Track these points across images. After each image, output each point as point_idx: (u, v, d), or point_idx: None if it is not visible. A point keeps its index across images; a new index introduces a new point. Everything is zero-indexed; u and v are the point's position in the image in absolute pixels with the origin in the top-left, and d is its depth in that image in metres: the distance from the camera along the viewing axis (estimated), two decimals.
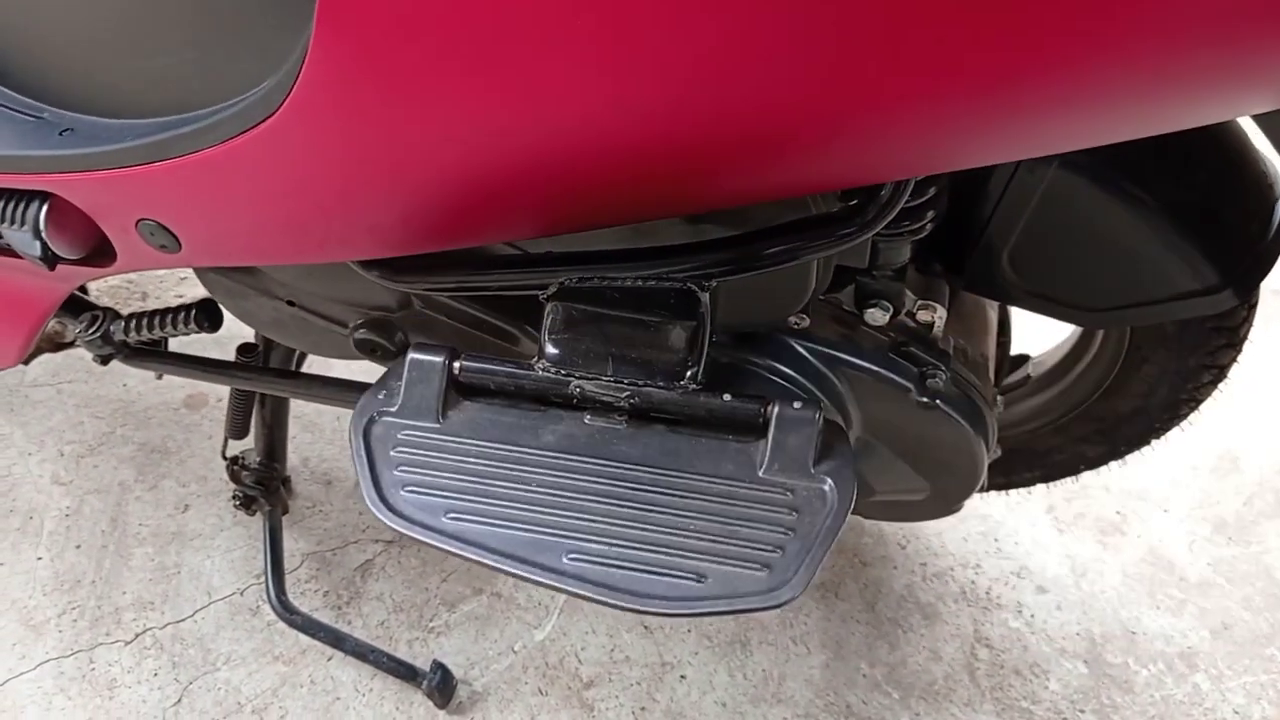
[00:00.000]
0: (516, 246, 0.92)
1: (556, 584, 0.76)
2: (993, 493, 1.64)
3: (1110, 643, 1.49)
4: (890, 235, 0.92)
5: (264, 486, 1.42)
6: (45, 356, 1.69)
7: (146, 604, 1.42)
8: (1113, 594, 1.55)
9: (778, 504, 0.79)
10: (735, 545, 0.78)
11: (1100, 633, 1.50)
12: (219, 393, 1.66)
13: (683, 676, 1.41)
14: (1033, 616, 1.52)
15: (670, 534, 0.78)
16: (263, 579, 1.44)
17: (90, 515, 1.51)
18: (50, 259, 0.90)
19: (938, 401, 1.01)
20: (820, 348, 1.01)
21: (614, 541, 0.78)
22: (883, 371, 1.00)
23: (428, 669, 1.35)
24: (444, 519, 0.80)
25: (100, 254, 0.94)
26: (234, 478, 1.42)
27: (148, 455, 1.58)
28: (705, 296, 0.82)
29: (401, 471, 0.83)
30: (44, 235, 0.89)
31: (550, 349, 0.85)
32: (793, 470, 0.81)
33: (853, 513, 1.27)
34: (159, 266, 0.92)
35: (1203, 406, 1.25)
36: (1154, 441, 1.28)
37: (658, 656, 1.43)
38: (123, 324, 1.05)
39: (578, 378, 0.84)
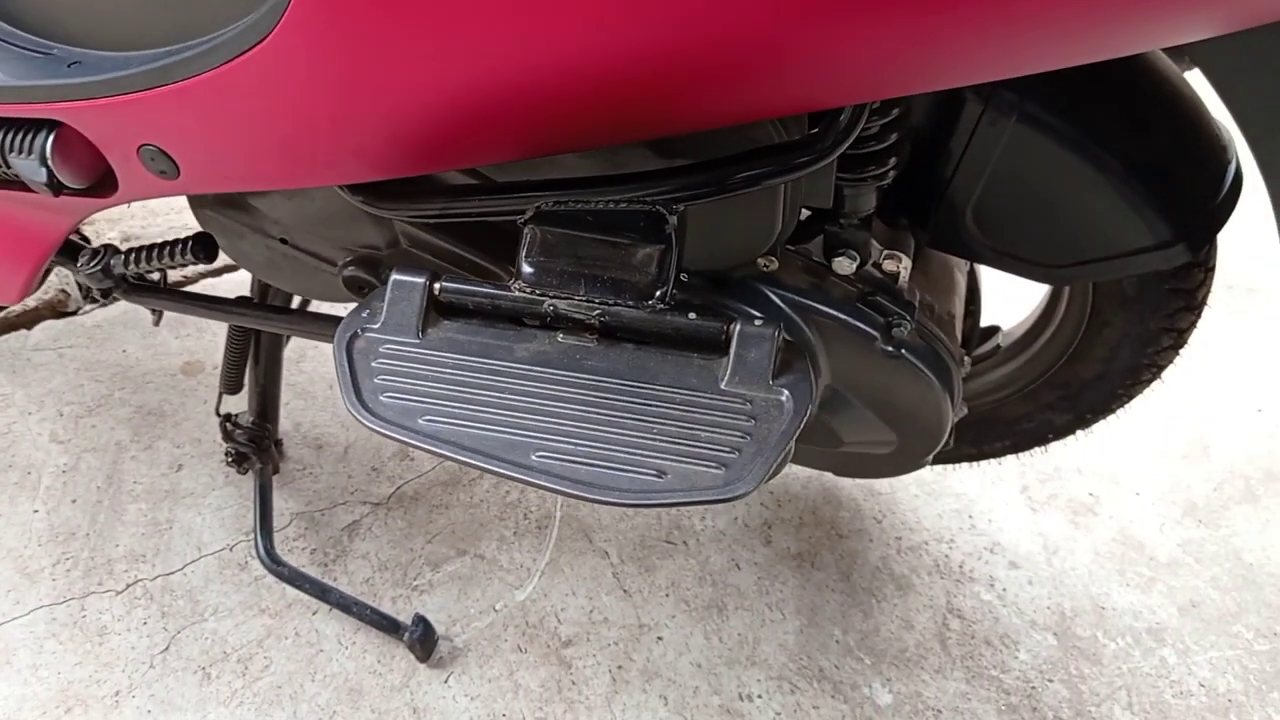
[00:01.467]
0: (493, 176, 0.96)
1: (524, 478, 0.81)
2: (967, 471, 1.68)
3: (1080, 617, 1.52)
4: (854, 179, 0.97)
5: (255, 444, 1.46)
6: (47, 323, 1.74)
7: (138, 557, 1.46)
8: (1083, 571, 1.58)
9: (737, 412, 0.84)
10: (695, 446, 0.82)
11: (1070, 607, 1.53)
12: (214, 359, 1.71)
13: (659, 638, 1.45)
14: (1004, 590, 1.55)
15: (634, 435, 0.82)
16: (251, 535, 1.48)
17: (86, 472, 1.55)
18: (55, 185, 0.95)
19: (902, 351, 1.05)
20: (790, 294, 1.05)
21: (580, 441, 0.82)
22: (849, 319, 1.04)
23: (410, 622, 1.38)
24: (420, 421, 0.84)
25: (102, 185, 0.99)
26: (226, 435, 1.46)
27: (144, 417, 1.63)
28: (673, 220, 0.87)
29: (381, 380, 0.87)
30: (50, 163, 0.94)
31: (526, 270, 0.89)
32: (752, 382, 0.85)
33: (822, 467, 1.32)
34: (157, 194, 0.96)
35: (1165, 376, 1.29)
36: (1118, 409, 1.32)
37: (635, 619, 1.46)
38: (122, 258, 1.10)
39: (551, 297, 0.88)
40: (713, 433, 0.83)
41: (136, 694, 1.33)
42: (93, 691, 1.33)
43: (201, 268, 1.82)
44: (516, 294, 0.89)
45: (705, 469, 0.81)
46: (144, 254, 1.08)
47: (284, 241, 1.10)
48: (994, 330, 1.38)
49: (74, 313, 1.78)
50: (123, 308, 1.78)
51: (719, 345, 0.88)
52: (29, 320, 1.74)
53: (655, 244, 0.88)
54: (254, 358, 1.42)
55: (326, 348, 1.75)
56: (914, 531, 1.61)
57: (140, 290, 1.14)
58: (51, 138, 0.94)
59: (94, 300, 1.79)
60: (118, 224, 1.89)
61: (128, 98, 0.88)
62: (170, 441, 1.60)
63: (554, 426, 0.84)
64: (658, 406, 0.84)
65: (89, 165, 0.96)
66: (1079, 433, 1.37)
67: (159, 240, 1.08)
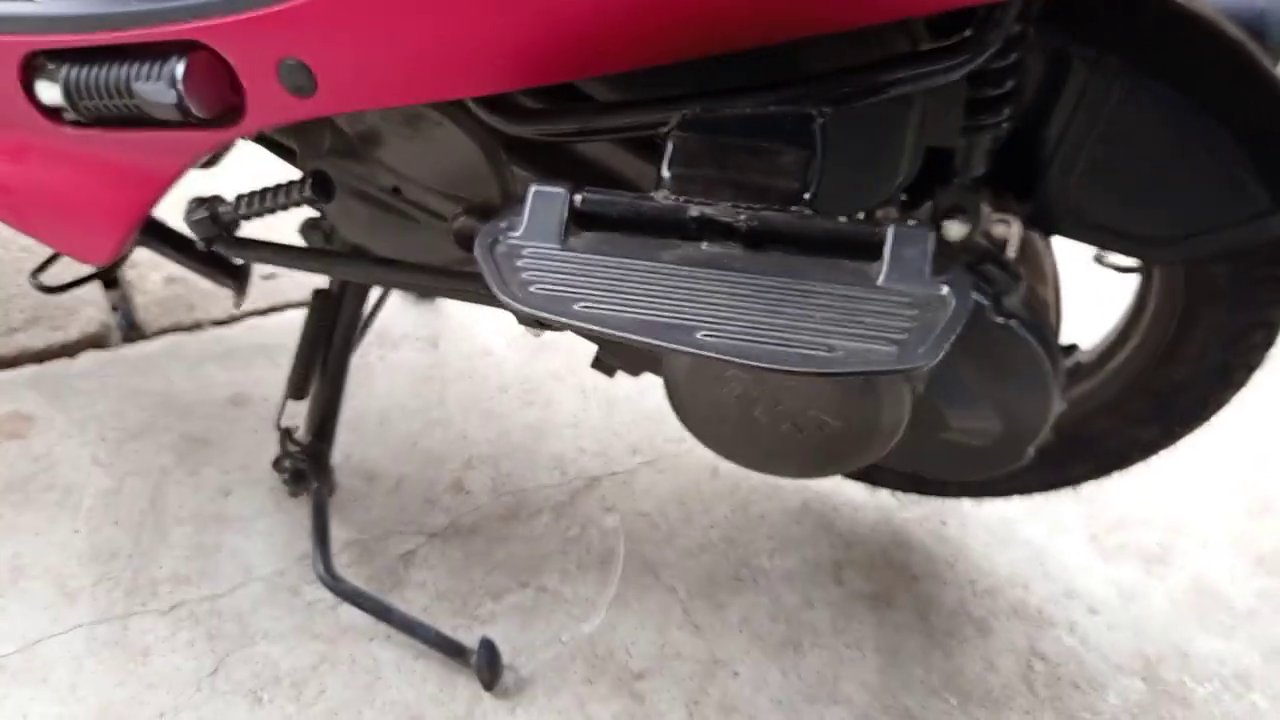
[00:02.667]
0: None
1: (694, 351, 0.79)
2: (1033, 522, 1.64)
3: (1164, 662, 1.46)
4: (973, 125, 0.97)
5: (314, 460, 1.40)
6: (90, 353, 1.69)
7: (183, 578, 1.38)
8: (1162, 617, 1.53)
9: (898, 304, 0.82)
10: (861, 329, 0.80)
11: (1154, 652, 1.47)
12: (263, 392, 1.65)
13: (735, 673, 1.37)
14: (1086, 635, 1.49)
15: (796, 320, 0.81)
16: (304, 561, 1.40)
17: (129, 495, 1.48)
18: (183, 111, 0.93)
19: (1012, 322, 1.03)
20: None
21: (743, 324, 0.81)
22: None
23: (475, 647, 1.30)
24: (575, 307, 0.82)
25: (225, 116, 0.97)
26: (284, 450, 1.40)
27: (190, 444, 1.56)
28: (820, 121, 0.86)
29: (528, 275, 0.84)
30: (181, 87, 0.92)
31: (669, 178, 0.88)
32: (910, 279, 0.83)
33: (912, 468, 1.27)
34: (285, 118, 0.95)
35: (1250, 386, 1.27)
36: (1207, 418, 1.29)
37: (709, 654, 1.39)
38: (232, 205, 1.06)
39: (696, 203, 0.86)
40: (877, 319, 0.81)
41: (182, 715, 1.24)
42: (135, 712, 1.23)
43: (247, 306, 1.78)
44: (661, 201, 0.88)
45: (877, 346, 0.79)
46: (256, 198, 1.05)
47: (395, 192, 1.08)
48: (1072, 348, 1.37)
49: (113, 346, 1.73)
50: (166, 341, 1.73)
51: (870, 248, 0.85)
52: (71, 350, 1.68)
53: (803, 148, 0.87)
54: (322, 364, 1.38)
55: (375, 383, 1.70)
56: (988, 575, 1.56)
57: (244, 244, 1.10)
58: (184, 62, 0.93)
59: (133, 335, 1.75)
60: (161, 267, 1.85)
61: (276, 9, 0.87)
62: (217, 468, 1.53)
63: (713, 313, 0.82)
64: (816, 299, 0.82)
65: (218, 91, 0.94)
66: (1163, 450, 1.34)
67: (269, 186, 1.05)
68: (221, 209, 1.05)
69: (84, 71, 0.98)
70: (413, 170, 1.06)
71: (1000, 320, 1.03)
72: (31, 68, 1.01)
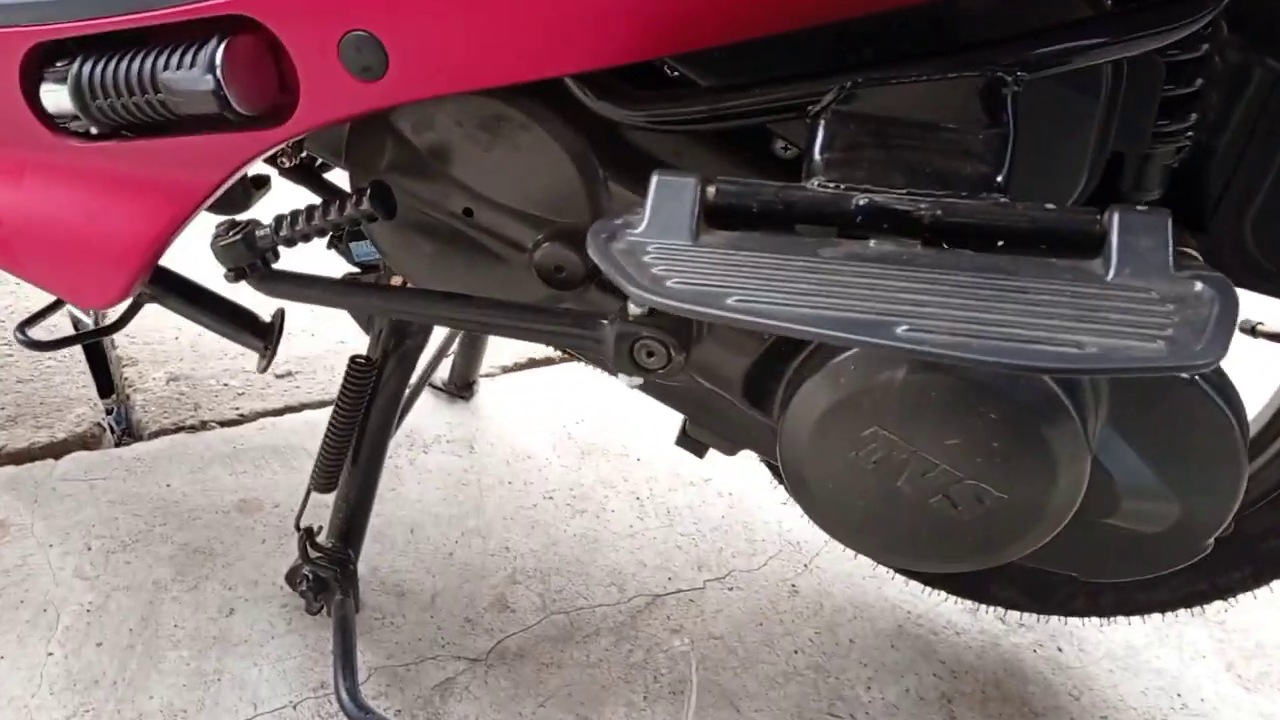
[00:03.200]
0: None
1: (901, 346, 0.60)
2: (1161, 647, 1.42)
3: None
4: (1159, 130, 0.83)
5: (340, 568, 1.19)
6: (78, 454, 1.49)
7: (178, 711, 1.14)
8: None
9: (1143, 300, 0.64)
10: (1108, 326, 0.62)
11: None
12: (275, 498, 1.44)
13: None
14: None
15: (1023, 315, 0.63)
16: (321, 692, 1.17)
17: (116, 612, 1.25)
18: (223, 99, 0.76)
19: (1198, 378, 0.86)
20: None
21: (957, 319, 0.62)
22: None
23: None
24: (730, 301, 0.63)
25: (270, 114, 0.80)
26: (304, 555, 1.18)
27: (189, 555, 1.34)
28: (1014, 91, 0.70)
29: (661, 270, 0.66)
30: (221, 73, 0.76)
31: (822, 164, 0.71)
32: (1150, 274, 0.65)
33: (1065, 566, 1.06)
34: (351, 110, 0.78)
35: None
36: None
37: None
38: (271, 226, 0.88)
39: (863, 190, 0.69)
40: (1125, 316, 0.63)
41: None
42: None
43: (258, 405, 1.59)
44: (817, 189, 0.70)
45: (1137, 343, 0.60)
46: (301, 217, 0.87)
47: (467, 214, 0.90)
48: None
49: (105, 445, 1.52)
50: (167, 441, 1.52)
51: (1089, 240, 0.68)
52: (56, 451, 1.48)
53: (993, 124, 0.71)
54: (353, 455, 1.18)
55: (404, 488, 1.49)
56: (1119, 710, 1.33)
57: (280, 279, 0.92)
58: (224, 43, 0.77)
59: (131, 437, 1.54)
60: (164, 365, 1.66)
61: None
62: (220, 583, 1.31)
63: (912, 308, 0.63)
64: (1035, 294, 0.64)
65: (265, 79, 0.78)
66: None
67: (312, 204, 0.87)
68: (259, 233, 0.87)
69: (100, 65, 0.82)
70: (490, 188, 0.89)
71: (1185, 377, 0.86)
72: (34, 67, 0.85)
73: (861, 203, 0.70)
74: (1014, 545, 0.88)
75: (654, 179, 0.72)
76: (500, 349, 1.76)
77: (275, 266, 0.92)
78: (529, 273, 0.91)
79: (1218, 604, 1.48)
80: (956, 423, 0.82)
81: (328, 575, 1.19)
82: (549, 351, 1.77)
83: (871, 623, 1.39)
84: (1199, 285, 0.65)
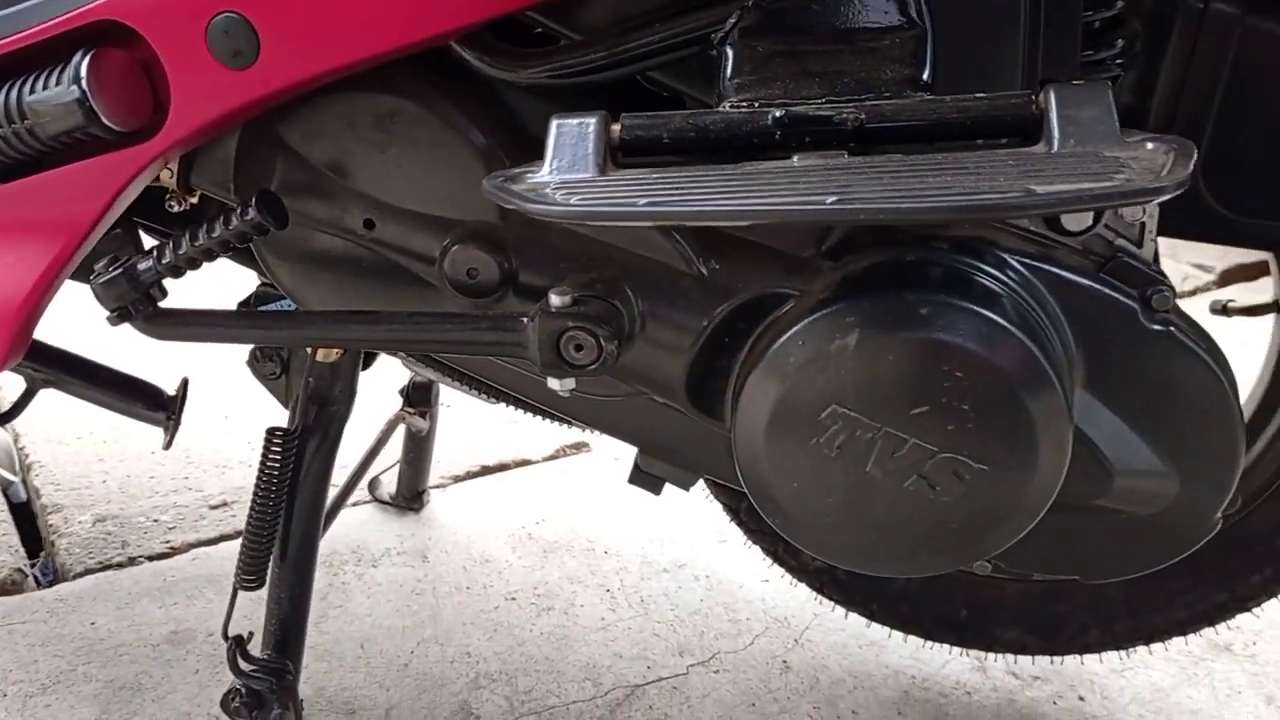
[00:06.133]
0: None
1: (830, 210, 0.56)
2: (1194, 687, 1.30)
3: None
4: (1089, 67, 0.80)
5: (276, 679, 1.07)
6: None
7: None
8: None
9: (1095, 158, 0.59)
10: (1060, 175, 0.58)
11: None
12: (209, 626, 1.32)
13: None
14: None
15: (965, 175, 0.57)
16: None
17: None
18: (90, 112, 0.71)
19: (1172, 328, 0.79)
20: (1023, 259, 0.81)
21: (893, 187, 0.56)
22: (1100, 288, 0.80)
23: None
24: (643, 205, 0.56)
25: (145, 131, 0.75)
26: (234, 665, 1.06)
27: (115, 693, 1.21)
28: None
29: (564, 195, 0.59)
30: (85, 81, 0.71)
31: (735, 88, 0.66)
32: (1098, 142, 0.61)
33: (1065, 570, 0.96)
34: (225, 107, 0.72)
35: None
36: None
37: None
38: (152, 256, 0.80)
39: (780, 104, 0.64)
40: (1076, 169, 0.59)
41: None
42: None
43: (191, 537, 1.48)
44: (731, 111, 0.65)
45: (1092, 184, 0.57)
46: (184, 239, 0.79)
47: (369, 227, 0.83)
48: None
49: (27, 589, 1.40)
50: (92, 580, 1.40)
51: (1027, 125, 0.64)
52: None
53: (909, 26, 0.67)
54: (280, 551, 1.07)
55: (351, 604, 1.37)
56: None
57: (167, 316, 0.83)
58: (89, 54, 0.72)
59: (55, 582, 1.42)
60: (90, 508, 1.55)
61: None
62: (149, 718, 1.18)
63: (837, 189, 0.57)
64: (975, 166, 0.59)
65: (133, 88, 0.73)
66: None
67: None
68: (142, 267, 0.79)
69: None
70: (390, 193, 0.83)
71: (1156, 328, 0.80)
72: None
73: (778, 115, 0.65)
74: (1003, 528, 0.79)
75: (553, 122, 0.66)
76: (451, 457, 1.66)
77: (162, 305, 0.84)
78: (442, 285, 0.83)
79: (1245, 637, 1.38)
80: (919, 388, 0.74)
81: (262, 688, 1.06)
82: (503, 457, 1.68)
83: (874, 691, 1.26)
84: (1152, 144, 0.59)
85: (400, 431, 1.49)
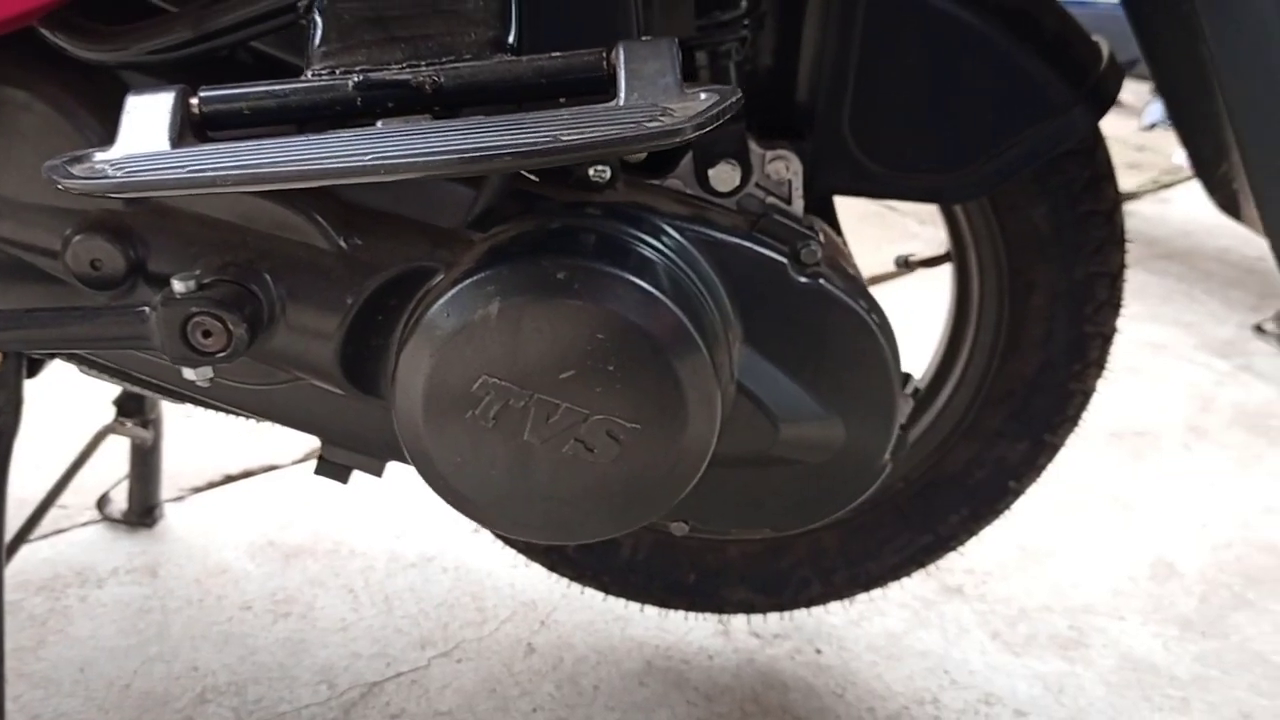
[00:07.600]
0: None
1: (364, 175, 0.52)
2: (924, 630, 1.35)
3: None
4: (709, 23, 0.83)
5: None
6: None
7: None
8: (1103, 704, 1.25)
9: (645, 109, 0.60)
10: (599, 124, 0.59)
11: None
12: None
13: None
14: None
15: (507, 128, 0.57)
16: None
17: None
18: None
19: (821, 280, 0.83)
20: (678, 222, 0.83)
21: (432, 141, 0.55)
22: (750, 245, 0.83)
23: None
24: (171, 175, 0.54)
25: None
26: None
27: None
28: None
29: (117, 170, 0.56)
30: None
31: (318, 58, 0.64)
32: (658, 95, 0.62)
33: (751, 521, 0.98)
34: None
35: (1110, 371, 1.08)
36: (1076, 415, 1.08)
37: None
38: None
39: (359, 70, 0.62)
40: (621, 119, 0.60)
41: None
42: None
43: None
44: (311, 80, 0.63)
45: (613, 131, 0.58)
46: None
47: None
48: (906, 378, 1.15)
49: None
50: None
51: (602, 82, 0.65)
52: None
53: None
54: None
55: (72, 628, 1.29)
56: (886, 700, 1.24)
57: None
58: None
59: None
60: None
61: None
62: None
63: (389, 145, 0.55)
64: (525, 122, 0.59)
65: None
66: (1043, 470, 1.11)
67: None
68: None
69: None
70: (3, 185, 0.78)
71: (805, 280, 0.82)
72: None
73: (357, 81, 0.64)
74: (667, 485, 0.79)
75: (127, 97, 0.63)
76: (192, 468, 1.59)
77: None
78: (68, 278, 0.79)
79: (975, 579, 1.45)
80: (564, 352, 0.74)
81: None
82: (248, 464, 1.62)
83: (616, 665, 1.27)
84: (706, 94, 0.60)
85: (125, 445, 1.42)
